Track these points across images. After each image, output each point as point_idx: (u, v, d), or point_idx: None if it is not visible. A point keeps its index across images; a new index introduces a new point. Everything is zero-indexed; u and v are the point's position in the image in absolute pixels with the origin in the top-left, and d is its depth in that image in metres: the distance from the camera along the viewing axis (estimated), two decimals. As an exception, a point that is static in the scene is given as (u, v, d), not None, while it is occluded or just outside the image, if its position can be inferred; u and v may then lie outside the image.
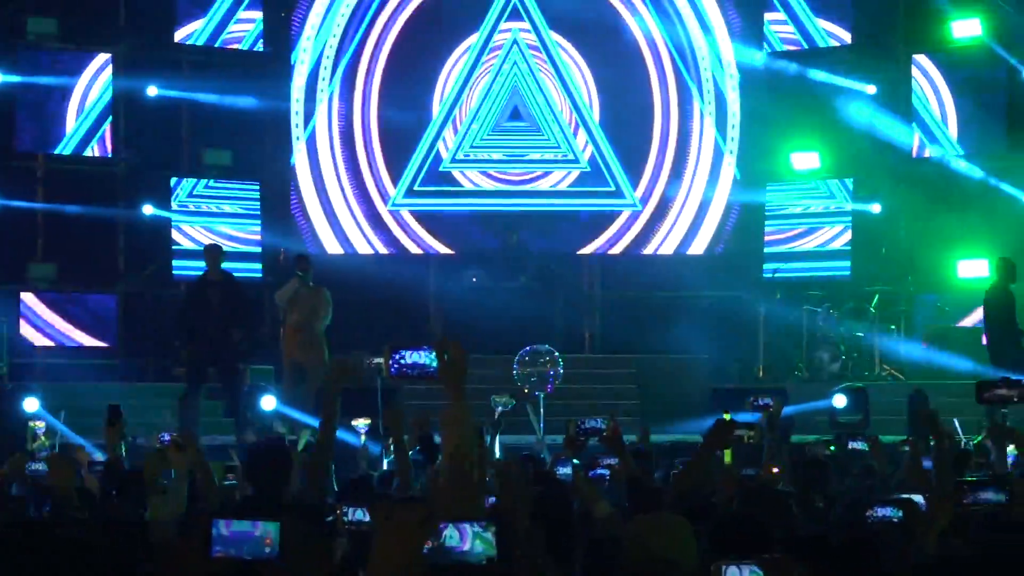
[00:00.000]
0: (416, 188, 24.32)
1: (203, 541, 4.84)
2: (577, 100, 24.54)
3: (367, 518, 7.07)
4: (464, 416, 5.48)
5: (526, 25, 24.63)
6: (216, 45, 23.40)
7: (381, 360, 6.12)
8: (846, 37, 23.57)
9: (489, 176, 24.69)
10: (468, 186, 24.61)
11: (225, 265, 19.08)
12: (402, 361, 5.68)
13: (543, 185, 24.68)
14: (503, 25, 24.61)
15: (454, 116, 24.55)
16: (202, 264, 19.27)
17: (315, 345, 19.23)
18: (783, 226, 23.97)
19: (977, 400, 11.41)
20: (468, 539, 4.35)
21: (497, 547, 4.42)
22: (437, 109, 24.46)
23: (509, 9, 24.58)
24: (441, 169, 24.46)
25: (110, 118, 22.50)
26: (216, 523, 4.82)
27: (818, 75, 23.34)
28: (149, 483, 7.27)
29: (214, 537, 4.79)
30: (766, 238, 23.96)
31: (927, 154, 23.01)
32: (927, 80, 22.94)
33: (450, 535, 4.37)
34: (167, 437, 10.65)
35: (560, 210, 24.63)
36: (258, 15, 23.60)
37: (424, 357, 5.64)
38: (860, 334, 22.27)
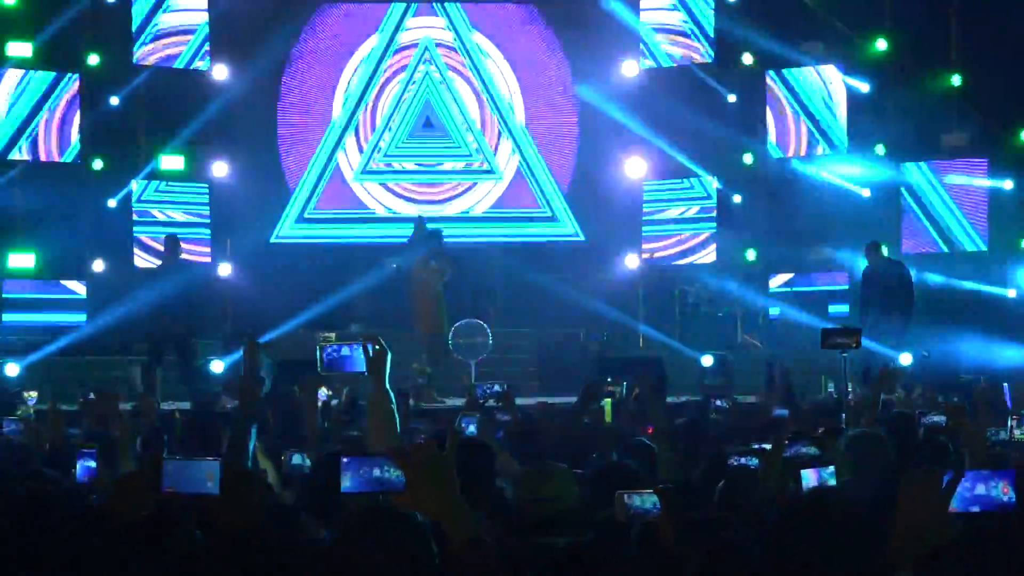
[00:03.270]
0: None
1: (155, 478, 5.01)
2: (500, 105, 22.90)
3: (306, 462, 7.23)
4: (385, 400, 5.57)
5: (440, 22, 22.48)
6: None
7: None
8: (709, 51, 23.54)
9: (396, 194, 23.18)
10: (372, 204, 23.14)
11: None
12: (335, 354, 5.67)
13: (459, 205, 23.34)
14: (410, 22, 22.60)
15: (356, 126, 23.10)
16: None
17: None
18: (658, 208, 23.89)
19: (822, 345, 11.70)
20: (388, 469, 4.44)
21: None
22: (338, 115, 23.20)
23: (413, 8, 22.59)
24: (351, 181, 23.15)
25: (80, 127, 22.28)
26: (166, 462, 5.00)
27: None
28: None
29: (164, 474, 4.92)
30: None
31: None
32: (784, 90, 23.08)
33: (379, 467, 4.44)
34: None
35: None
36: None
37: (354, 351, 5.61)
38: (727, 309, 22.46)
